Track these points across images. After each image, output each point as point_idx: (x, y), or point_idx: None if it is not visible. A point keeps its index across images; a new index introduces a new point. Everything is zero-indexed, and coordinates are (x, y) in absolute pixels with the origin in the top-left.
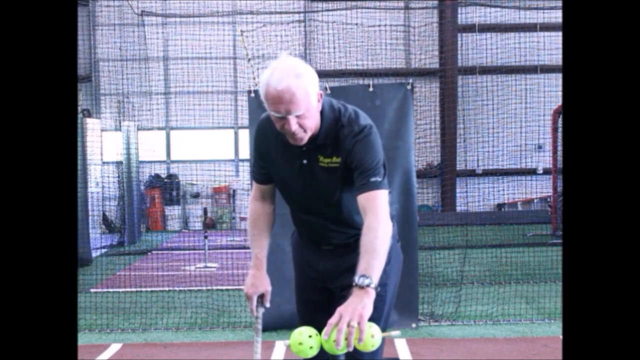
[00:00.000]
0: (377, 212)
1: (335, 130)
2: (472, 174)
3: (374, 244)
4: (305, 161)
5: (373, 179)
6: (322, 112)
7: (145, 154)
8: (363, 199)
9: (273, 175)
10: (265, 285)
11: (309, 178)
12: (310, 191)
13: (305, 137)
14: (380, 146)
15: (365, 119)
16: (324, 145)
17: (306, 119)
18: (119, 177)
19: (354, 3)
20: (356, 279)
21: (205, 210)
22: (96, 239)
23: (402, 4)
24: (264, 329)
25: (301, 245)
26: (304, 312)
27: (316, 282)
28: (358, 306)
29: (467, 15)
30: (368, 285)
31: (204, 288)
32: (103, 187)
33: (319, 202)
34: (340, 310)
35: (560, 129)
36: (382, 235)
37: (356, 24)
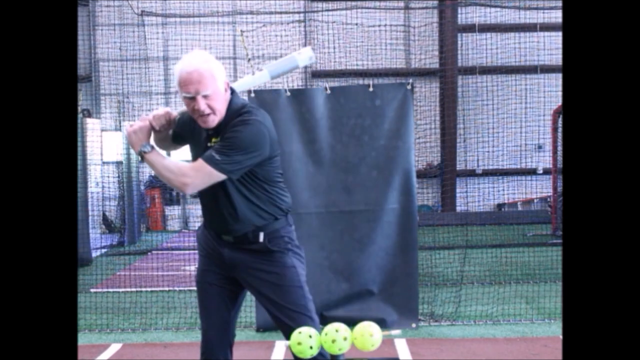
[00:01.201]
0: (192, 170)
1: (234, 118)
2: (472, 174)
3: (169, 166)
4: (208, 144)
5: (214, 154)
6: (230, 104)
7: None
8: (197, 161)
9: (190, 151)
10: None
11: None
12: None
13: (215, 120)
14: (256, 142)
15: (263, 117)
16: (222, 129)
17: (213, 100)
18: (119, 177)
19: (354, 3)
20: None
21: None
22: (96, 239)
23: (402, 4)
24: (264, 329)
25: (205, 235)
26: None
27: (221, 270)
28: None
29: (467, 15)
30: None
31: None
32: (103, 187)
33: (214, 187)
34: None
35: (560, 129)
36: (172, 168)
37: (356, 24)
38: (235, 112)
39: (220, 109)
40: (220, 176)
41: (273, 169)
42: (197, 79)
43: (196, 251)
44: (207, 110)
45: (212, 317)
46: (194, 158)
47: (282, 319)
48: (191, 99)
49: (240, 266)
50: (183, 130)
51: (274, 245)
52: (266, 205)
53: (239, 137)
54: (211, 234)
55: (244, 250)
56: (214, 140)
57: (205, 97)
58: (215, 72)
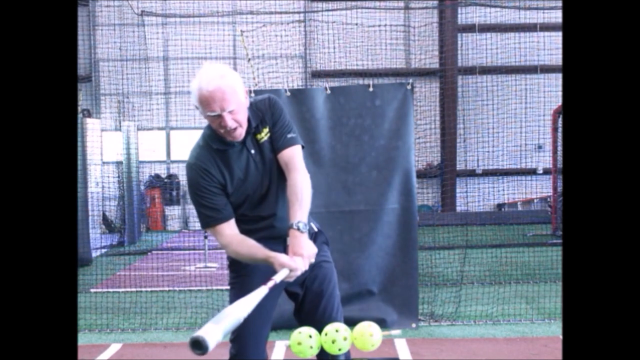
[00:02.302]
0: (300, 167)
1: (258, 112)
2: (472, 174)
3: (304, 196)
4: (252, 151)
5: (289, 135)
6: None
7: (145, 154)
8: (285, 155)
9: (233, 195)
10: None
11: (259, 161)
12: (265, 176)
13: (242, 132)
14: (286, 110)
15: (269, 95)
16: (255, 127)
17: (238, 114)
18: (119, 177)
19: (354, 3)
20: (295, 224)
21: None
22: (96, 239)
23: (402, 4)
24: None
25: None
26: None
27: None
28: (308, 243)
29: (467, 15)
30: (305, 230)
31: (204, 288)
32: (103, 187)
33: (272, 186)
34: (295, 250)
35: (560, 129)
36: (308, 188)
37: (356, 24)
38: (254, 109)
39: (244, 118)
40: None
41: None
42: (221, 97)
43: (196, 251)
44: (234, 125)
45: (255, 331)
46: (251, 178)
47: (327, 311)
48: (216, 117)
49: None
50: (218, 181)
51: (323, 235)
52: None
53: (284, 113)
54: (265, 243)
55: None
56: (259, 136)
57: (230, 112)
58: (235, 86)
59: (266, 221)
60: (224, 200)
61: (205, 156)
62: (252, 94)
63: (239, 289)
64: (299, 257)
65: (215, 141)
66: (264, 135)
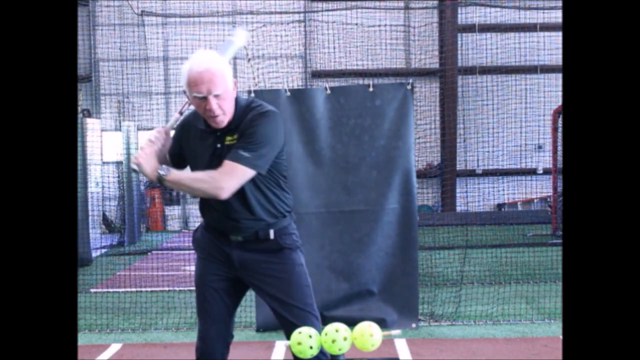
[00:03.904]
0: (224, 174)
1: (245, 114)
2: (472, 174)
3: (197, 177)
4: (218, 145)
5: (241, 152)
6: (236, 102)
7: None
8: (224, 164)
9: (190, 162)
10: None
11: (217, 158)
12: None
13: (224, 120)
14: (276, 133)
15: (273, 108)
16: (234, 127)
17: (224, 100)
18: (119, 177)
19: (354, 3)
20: (163, 166)
21: None
22: (96, 239)
23: (402, 4)
24: (264, 329)
25: (206, 237)
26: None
27: (225, 272)
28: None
29: (467, 15)
30: (161, 173)
31: None
32: (103, 187)
33: None
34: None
35: (560, 129)
36: (203, 177)
37: (356, 24)
38: (245, 108)
39: (230, 108)
40: (251, 173)
41: (282, 161)
42: (209, 79)
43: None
44: (218, 111)
45: (213, 321)
46: (203, 165)
47: (289, 319)
48: (202, 99)
49: (250, 266)
50: (181, 146)
51: (285, 241)
52: (276, 201)
53: (262, 131)
54: (215, 235)
55: (254, 250)
56: (228, 138)
57: (216, 96)
58: (225, 71)
59: (217, 213)
60: (177, 151)
61: (190, 117)
62: (252, 94)
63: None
64: (142, 149)
65: (199, 121)
66: (232, 139)
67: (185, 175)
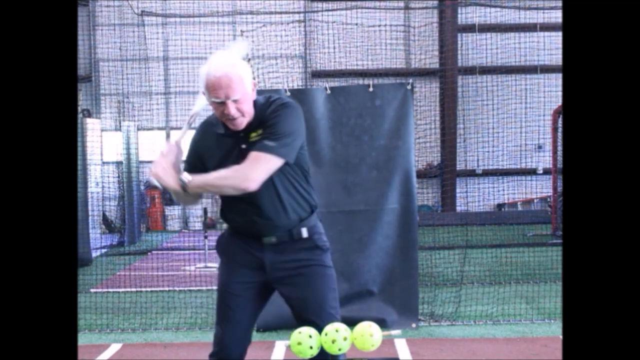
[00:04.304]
0: (251, 162)
1: (265, 109)
2: (472, 174)
3: (220, 175)
4: (243, 145)
5: (265, 142)
6: (255, 102)
7: (145, 154)
8: (249, 156)
9: (214, 168)
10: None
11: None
12: None
13: (244, 122)
14: (299, 124)
15: (292, 101)
16: (256, 124)
17: (243, 103)
18: (119, 177)
19: (354, 3)
20: (184, 175)
21: (205, 210)
22: (96, 239)
23: (402, 4)
24: (264, 329)
25: (235, 242)
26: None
27: (253, 278)
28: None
29: (467, 15)
30: (183, 182)
31: (204, 288)
32: (103, 187)
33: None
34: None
35: (560, 129)
36: (227, 174)
37: (356, 24)
38: (263, 105)
39: (249, 109)
40: (279, 162)
41: (304, 154)
42: (227, 84)
43: (196, 251)
44: (237, 114)
45: (234, 328)
46: (222, 165)
47: (315, 322)
48: (220, 104)
49: (283, 268)
50: (200, 155)
51: (317, 242)
52: (306, 195)
53: (284, 121)
54: (245, 239)
55: (287, 251)
56: (253, 135)
57: (235, 101)
58: (243, 75)
59: (247, 216)
60: (196, 162)
61: (207, 122)
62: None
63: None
64: (157, 163)
65: (218, 126)
66: (257, 135)
67: (210, 176)
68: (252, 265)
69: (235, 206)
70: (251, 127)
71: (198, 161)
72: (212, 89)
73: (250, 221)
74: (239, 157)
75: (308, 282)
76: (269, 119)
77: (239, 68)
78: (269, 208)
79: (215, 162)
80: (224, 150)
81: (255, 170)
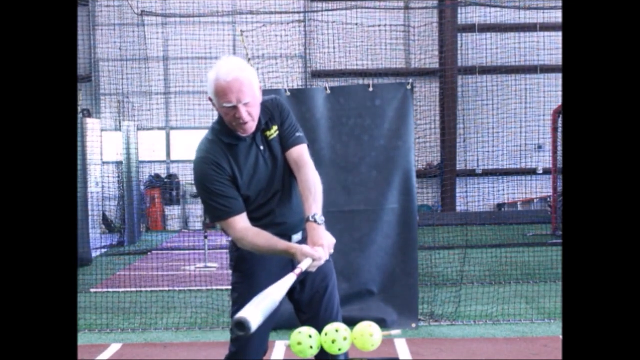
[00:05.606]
0: (310, 164)
1: (265, 110)
2: (472, 174)
3: (317, 190)
4: (262, 147)
5: (298, 134)
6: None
7: (145, 154)
8: (295, 153)
9: (244, 189)
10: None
11: (269, 157)
12: (274, 172)
13: (253, 126)
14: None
15: (272, 95)
16: (265, 124)
17: (252, 107)
18: (119, 177)
19: (354, 3)
20: (312, 217)
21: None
22: (96, 239)
23: (402, 4)
24: None
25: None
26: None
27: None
28: (326, 234)
29: (467, 15)
30: (322, 222)
31: (204, 288)
32: (103, 187)
33: (281, 181)
34: (316, 241)
35: (560, 129)
36: (320, 182)
37: (356, 24)
38: (264, 109)
39: (257, 113)
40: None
41: None
42: (238, 88)
43: (196, 251)
44: (248, 118)
45: (252, 339)
46: (262, 174)
47: (329, 310)
48: (231, 108)
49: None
50: (234, 176)
51: None
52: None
53: (292, 115)
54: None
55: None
56: (269, 134)
57: (246, 104)
58: (253, 79)
59: (270, 218)
60: (235, 193)
61: (216, 149)
62: None
63: (247, 289)
64: (320, 247)
65: (226, 135)
66: (273, 132)
67: (314, 202)
68: (276, 270)
69: (264, 208)
70: (260, 126)
71: (235, 188)
72: (223, 93)
73: (272, 224)
74: (265, 158)
75: (324, 277)
76: (279, 115)
77: (249, 72)
78: (282, 208)
79: (245, 173)
80: (247, 157)
81: (311, 160)
